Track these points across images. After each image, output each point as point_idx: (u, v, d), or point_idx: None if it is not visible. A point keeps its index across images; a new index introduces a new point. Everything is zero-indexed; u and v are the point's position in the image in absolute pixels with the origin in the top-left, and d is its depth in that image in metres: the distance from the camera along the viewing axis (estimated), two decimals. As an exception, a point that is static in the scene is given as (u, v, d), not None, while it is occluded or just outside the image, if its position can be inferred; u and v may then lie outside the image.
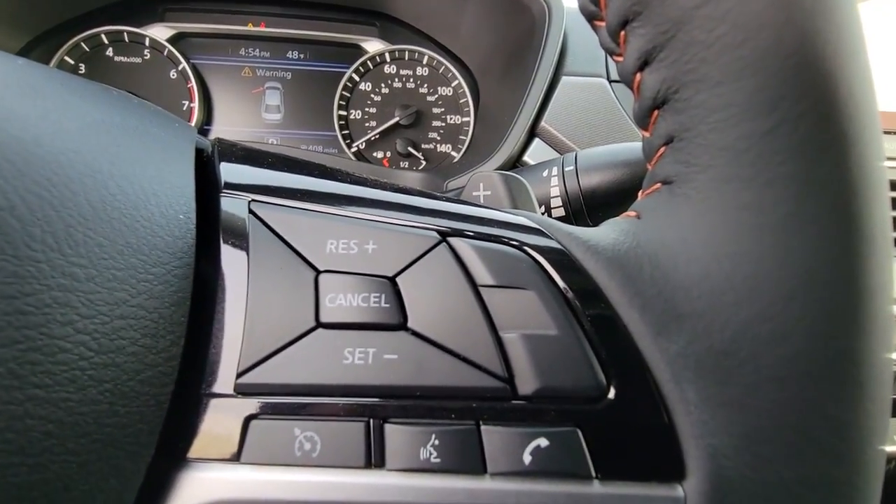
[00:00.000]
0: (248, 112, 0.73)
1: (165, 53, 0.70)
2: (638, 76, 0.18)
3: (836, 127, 0.15)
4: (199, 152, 0.21)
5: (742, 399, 0.15)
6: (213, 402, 0.17)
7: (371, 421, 0.16)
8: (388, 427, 0.16)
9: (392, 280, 0.17)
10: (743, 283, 0.15)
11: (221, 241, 0.18)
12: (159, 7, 0.71)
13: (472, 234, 0.18)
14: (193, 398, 0.17)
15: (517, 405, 0.16)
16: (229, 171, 0.20)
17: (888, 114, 0.62)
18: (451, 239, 0.18)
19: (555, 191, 0.38)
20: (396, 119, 0.73)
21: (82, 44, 0.68)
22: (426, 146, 0.75)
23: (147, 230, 0.16)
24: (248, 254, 0.18)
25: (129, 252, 0.16)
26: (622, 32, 0.18)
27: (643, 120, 0.19)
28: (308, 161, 0.21)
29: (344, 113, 0.74)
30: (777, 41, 0.15)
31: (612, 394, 0.16)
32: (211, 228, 0.18)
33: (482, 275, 0.17)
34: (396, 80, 0.75)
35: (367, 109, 0.74)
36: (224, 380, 0.17)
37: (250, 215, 0.18)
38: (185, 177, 0.19)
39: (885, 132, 0.60)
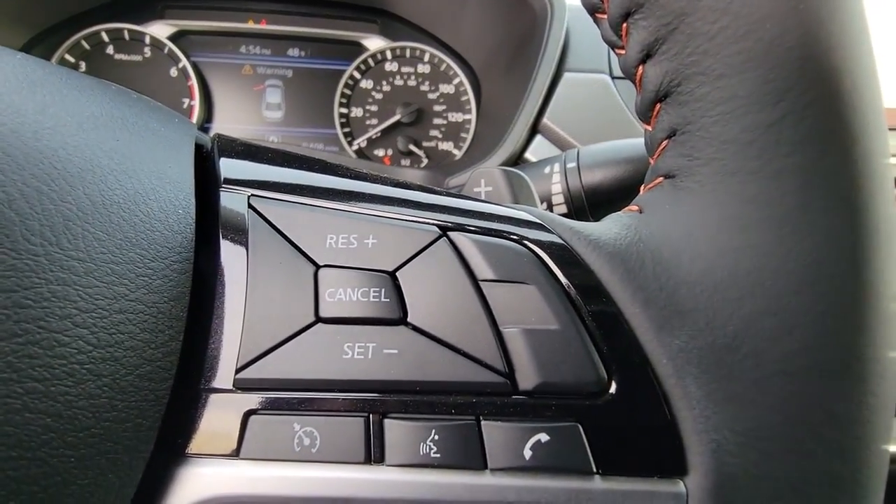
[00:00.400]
0: (248, 110, 0.73)
1: (166, 51, 0.70)
2: (640, 69, 0.18)
3: (841, 118, 0.15)
4: (199, 148, 0.21)
5: (745, 394, 0.15)
6: (213, 397, 0.17)
7: (371, 416, 0.16)
8: (387, 422, 0.16)
9: (392, 274, 0.17)
10: (747, 278, 0.15)
11: (221, 236, 0.18)
12: (159, 4, 0.71)
13: (472, 228, 0.18)
14: (193, 393, 0.16)
15: (518, 400, 0.16)
16: (229, 167, 0.20)
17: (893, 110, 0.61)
18: (451, 233, 0.18)
19: (557, 187, 0.38)
20: (398, 117, 0.73)
21: (83, 42, 0.68)
22: (427, 144, 0.75)
23: (146, 225, 0.16)
24: (247, 248, 0.18)
25: (127, 246, 0.15)
26: (624, 25, 0.18)
27: (645, 113, 0.19)
28: (308, 156, 0.21)
29: (345, 111, 0.74)
30: (781, 32, 0.15)
31: (613, 389, 0.16)
32: (210, 223, 0.18)
33: (483, 269, 0.17)
34: (398, 77, 0.75)
35: (368, 107, 0.74)
36: (223, 375, 0.17)
37: (250, 210, 0.18)
38: (184, 172, 0.19)
39: (891, 129, 0.60)
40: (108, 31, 0.68)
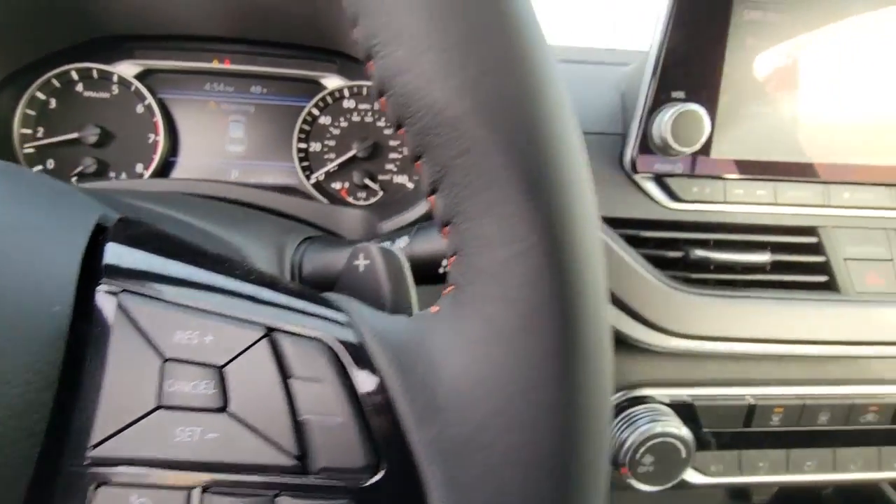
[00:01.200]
0: (212, 144, 0.77)
1: (132, 89, 0.74)
2: (432, 198, 0.22)
3: (557, 259, 0.19)
4: (103, 230, 0.25)
5: (476, 482, 0.19)
6: (70, 470, 0.20)
7: (192, 491, 0.20)
8: (206, 497, 0.20)
9: (220, 369, 0.21)
10: (483, 383, 0.19)
11: (92, 328, 0.22)
12: (128, 45, 0.75)
13: (291, 330, 0.22)
14: (53, 469, 0.20)
15: (307, 480, 0.20)
16: (112, 255, 0.23)
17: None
18: (274, 333, 0.22)
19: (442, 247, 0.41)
20: (354, 151, 0.77)
21: (53, 80, 0.72)
22: (383, 177, 0.79)
23: (25, 322, 0.20)
24: (109, 340, 0.21)
25: (6, 344, 0.19)
26: (417, 163, 0.22)
27: (441, 232, 0.22)
28: (195, 246, 0.25)
29: (304, 145, 0.78)
30: (503, 199, 0.19)
31: (381, 473, 0.20)
32: (86, 314, 0.22)
33: (292, 367, 0.21)
34: (355, 114, 0.79)
35: (326, 142, 0.78)
36: (80, 452, 0.20)
37: (118, 308, 0.22)
38: (69, 268, 0.22)
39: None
40: (77, 70, 0.72)
